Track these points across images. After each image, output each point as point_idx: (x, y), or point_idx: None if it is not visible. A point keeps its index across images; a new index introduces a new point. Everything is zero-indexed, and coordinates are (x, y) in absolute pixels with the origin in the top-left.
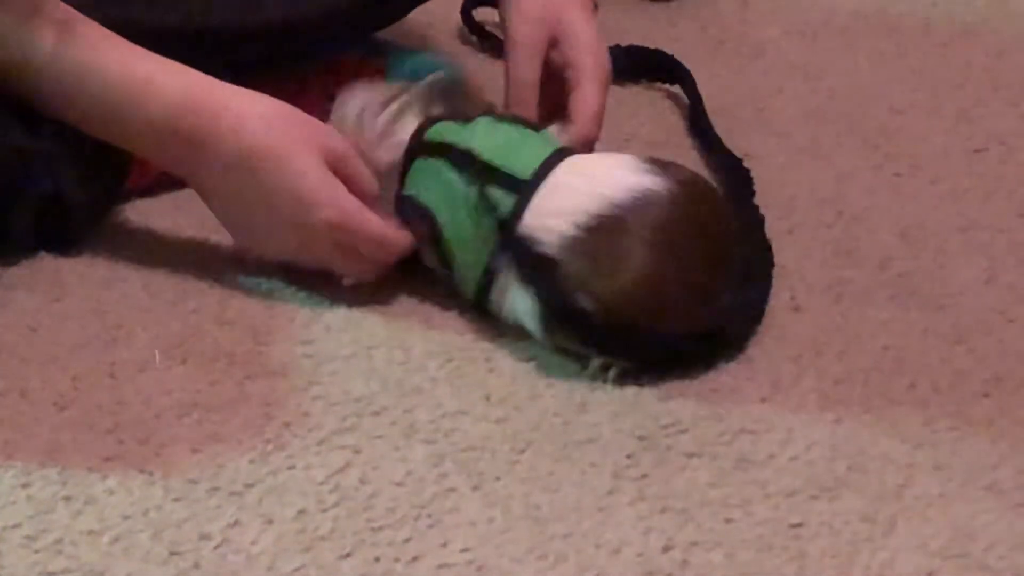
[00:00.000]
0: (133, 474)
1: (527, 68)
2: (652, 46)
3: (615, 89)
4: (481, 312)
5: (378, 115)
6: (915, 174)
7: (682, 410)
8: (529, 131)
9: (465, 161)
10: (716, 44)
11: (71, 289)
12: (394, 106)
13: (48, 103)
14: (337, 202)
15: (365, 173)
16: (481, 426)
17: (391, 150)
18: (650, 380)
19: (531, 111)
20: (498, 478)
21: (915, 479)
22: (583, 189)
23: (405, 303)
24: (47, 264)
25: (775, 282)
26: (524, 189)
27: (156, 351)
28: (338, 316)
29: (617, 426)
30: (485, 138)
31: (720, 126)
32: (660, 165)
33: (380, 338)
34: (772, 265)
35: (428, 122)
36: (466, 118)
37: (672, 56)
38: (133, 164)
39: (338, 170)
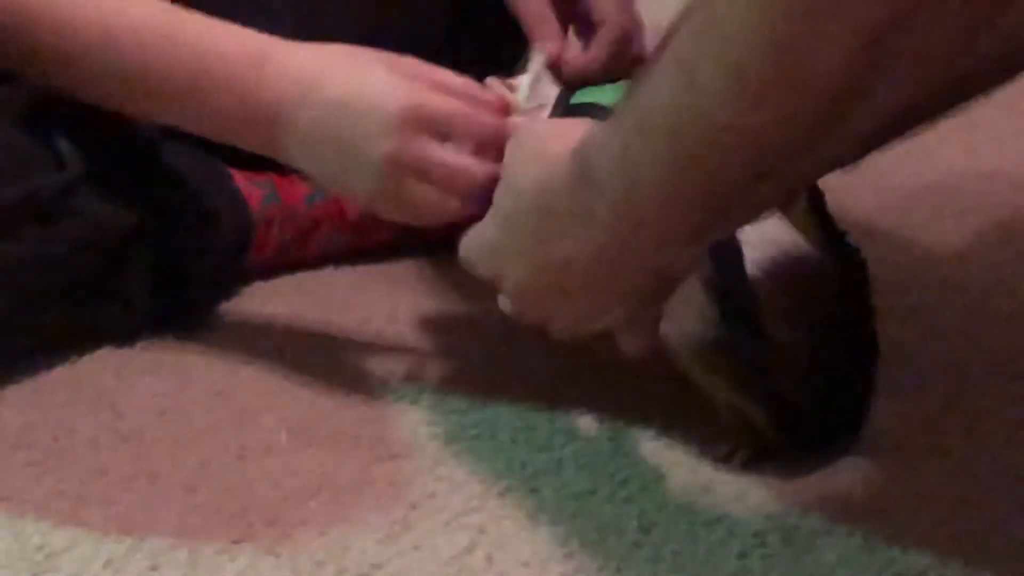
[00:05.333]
0: (261, 556)
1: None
2: None
3: None
4: None
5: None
6: None
7: (807, 489)
8: None
9: None
10: None
11: (197, 374)
12: (528, 77)
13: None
14: (407, 83)
15: (448, 73)
16: (607, 506)
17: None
18: (773, 460)
19: (558, 40)
20: (625, 558)
21: None
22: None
23: (527, 385)
24: (174, 349)
25: (898, 361)
26: None
27: (283, 433)
28: (462, 398)
29: (743, 505)
30: None
31: (840, 204)
32: None
33: (504, 419)
34: (876, 356)
35: (568, 88)
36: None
37: None
38: (253, 237)
39: (415, 75)
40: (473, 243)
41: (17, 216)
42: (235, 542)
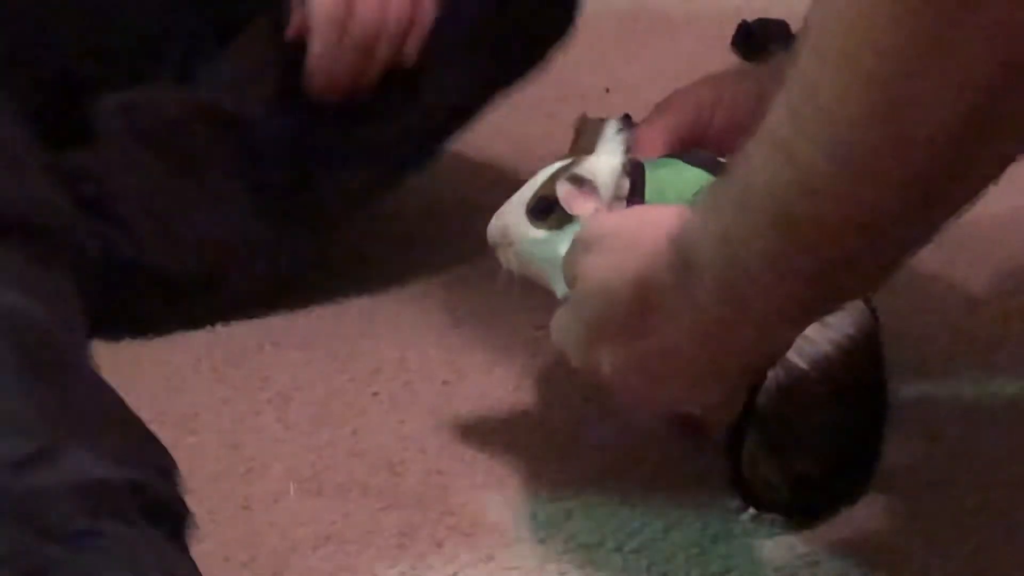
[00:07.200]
0: None
1: None
2: None
3: None
4: None
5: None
6: None
7: (816, 540)
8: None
9: None
10: None
11: (206, 423)
12: (607, 163)
13: None
14: None
15: None
16: (616, 557)
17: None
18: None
19: None
20: None
21: None
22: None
23: (537, 434)
24: (183, 399)
25: (908, 412)
26: None
27: (291, 483)
28: (471, 447)
29: (752, 557)
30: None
31: None
32: None
33: (513, 468)
34: (886, 410)
35: (637, 178)
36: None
37: None
38: None
39: None
40: (564, 336)
41: None
42: None
